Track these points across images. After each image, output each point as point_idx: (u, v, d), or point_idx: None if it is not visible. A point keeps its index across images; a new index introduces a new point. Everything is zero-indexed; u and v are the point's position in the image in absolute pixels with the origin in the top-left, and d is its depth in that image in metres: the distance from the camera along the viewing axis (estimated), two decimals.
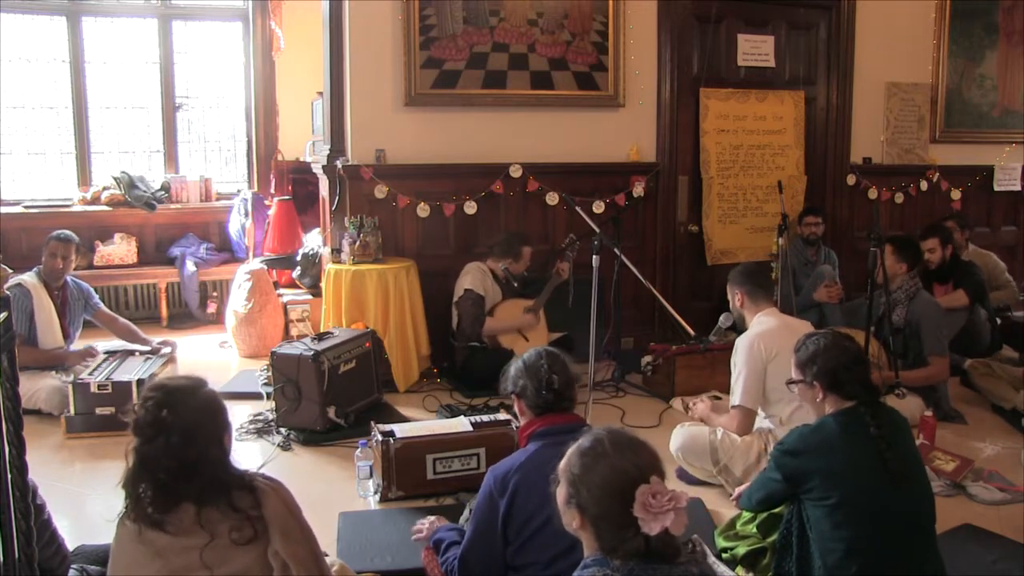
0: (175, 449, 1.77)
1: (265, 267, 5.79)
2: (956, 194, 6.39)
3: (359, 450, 3.33)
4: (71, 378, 4.06)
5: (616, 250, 4.67)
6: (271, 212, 6.43)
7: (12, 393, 1.44)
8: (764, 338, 3.32)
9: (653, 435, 3.40)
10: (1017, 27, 6.52)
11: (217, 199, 6.71)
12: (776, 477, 2.36)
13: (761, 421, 3.44)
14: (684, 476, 3.46)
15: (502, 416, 3.54)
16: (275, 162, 6.81)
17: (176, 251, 6.40)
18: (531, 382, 2.29)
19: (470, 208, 5.07)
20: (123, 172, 6.45)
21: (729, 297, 3.65)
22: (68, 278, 4.53)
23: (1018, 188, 6.62)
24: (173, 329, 6.08)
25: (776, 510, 2.55)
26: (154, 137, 6.78)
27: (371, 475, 3.32)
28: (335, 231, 4.96)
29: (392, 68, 4.90)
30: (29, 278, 4.38)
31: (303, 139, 6.44)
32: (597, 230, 4.64)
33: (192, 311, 6.36)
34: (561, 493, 1.58)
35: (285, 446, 3.87)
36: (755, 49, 5.77)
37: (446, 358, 4.92)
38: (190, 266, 6.26)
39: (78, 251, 4.70)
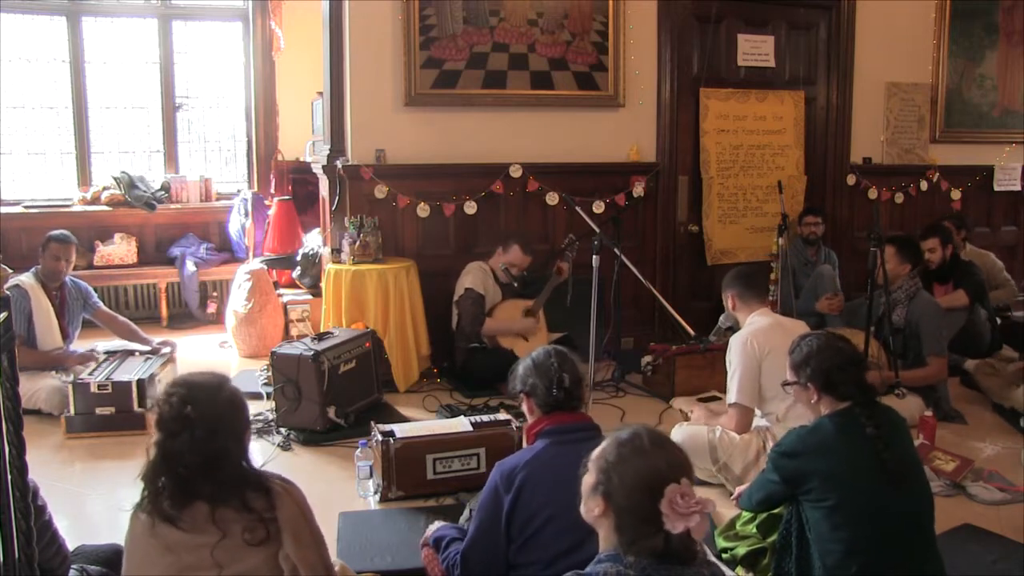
0: (199, 444, 1.78)
1: (265, 267, 5.79)
2: (956, 194, 6.39)
3: (359, 450, 3.33)
4: (71, 378, 4.06)
5: (616, 250, 4.67)
6: (271, 212, 6.42)
7: (12, 393, 1.44)
8: (757, 336, 3.34)
9: None
10: (1017, 27, 6.52)
11: (217, 199, 6.71)
12: (774, 479, 2.36)
13: (758, 419, 3.45)
14: None
15: (502, 416, 3.54)
16: (275, 162, 6.81)
17: (176, 251, 6.40)
18: (541, 381, 2.29)
19: (470, 208, 5.07)
20: (123, 172, 6.45)
21: (723, 301, 3.68)
22: (66, 278, 4.53)
23: (1018, 188, 6.62)
24: (173, 329, 6.08)
25: (776, 510, 2.55)
26: (154, 137, 6.78)
27: (371, 475, 3.32)
28: (335, 231, 4.96)
29: (392, 68, 4.90)
30: (27, 279, 4.37)
31: (303, 139, 6.44)
32: (597, 230, 4.64)
33: (192, 311, 6.36)
34: (589, 480, 1.58)
35: (285, 446, 3.87)
36: (755, 49, 5.77)
37: (446, 358, 4.91)
38: (190, 266, 6.26)
39: (77, 251, 4.69)
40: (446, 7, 4.94)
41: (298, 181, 6.77)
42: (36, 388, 4.13)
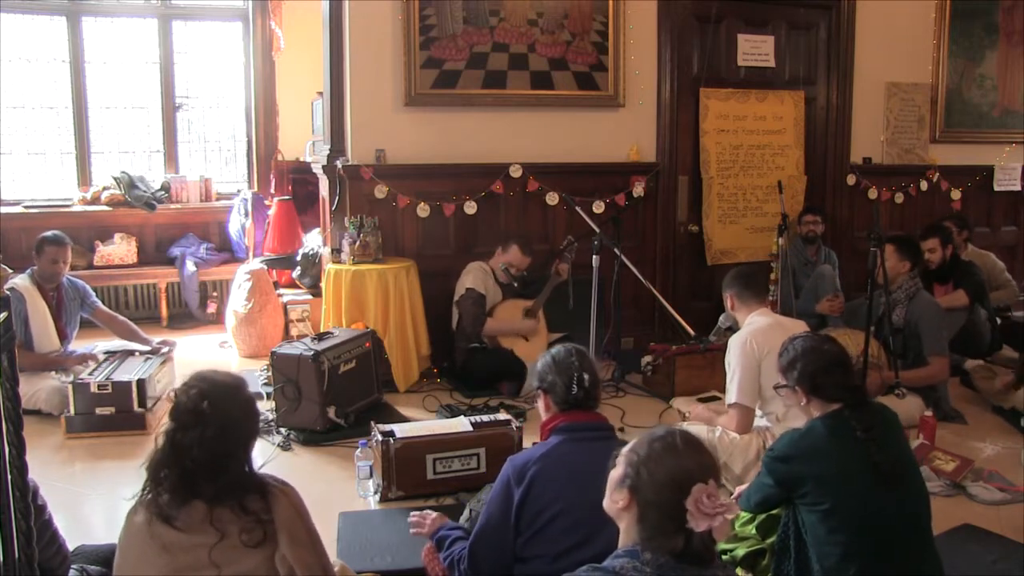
0: (209, 442, 1.78)
1: (265, 267, 5.79)
2: (956, 194, 6.39)
3: (359, 450, 3.33)
4: (71, 378, 4.06)
5: (616, 250, 4.67)
6: (271, 212, 6.43)
7: (12, 393, 1.44)
8: (756, 336, 3.34)
9: None
10: (1017, 27, 6.52)
11: (217, 199, 6.71)
12: (769, 482, 2.36)
13: (759, 419, 3.45)
14: None
15: (502, 416, 3.54)
16: (275, 162, 6.81)
17: (176, 251, 6.40)
18: (561, 379, 2.29)
19: (470, 208, 5.07)
20: (123, 172, 6.45)
21: (724, 301, 3.68)
22: (63, 278, 4.52)
23: (1018, 188, 6.62)
24: (173, 329, 6.08)
25: (775, 511, 2.55)
26: (154, 137, 6.78)
27: (371, 475, 3.33)
28: (335, 231, 4.96)
29: (392, 68, 4.90)
30: (21, 281, 4.35)
31: (303, 139, 6.44)
32: (597, 230, 4.65)
33: (192, 311, 6.36)
34: (616, 473, 1.59)
35: (285, 446, 3.87)
36: (755, 49, 5.77)
37: (446, 358, 4.91)
38: (190, 266, 6.26)
39: (74, 250, 4.68)
40: (446, 7, 4.94)
41: (298, 181, 6.77)
42: (36, 388, 4.13)
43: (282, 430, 3.97)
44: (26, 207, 6.18)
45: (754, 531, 2.73)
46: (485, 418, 3.51)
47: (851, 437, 2.25)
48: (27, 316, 4.28)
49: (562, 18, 5.17)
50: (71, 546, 2.26)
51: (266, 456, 3.75)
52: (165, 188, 6.54)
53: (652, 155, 5.51)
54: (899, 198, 6.21)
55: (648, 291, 4.87)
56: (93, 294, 4.73)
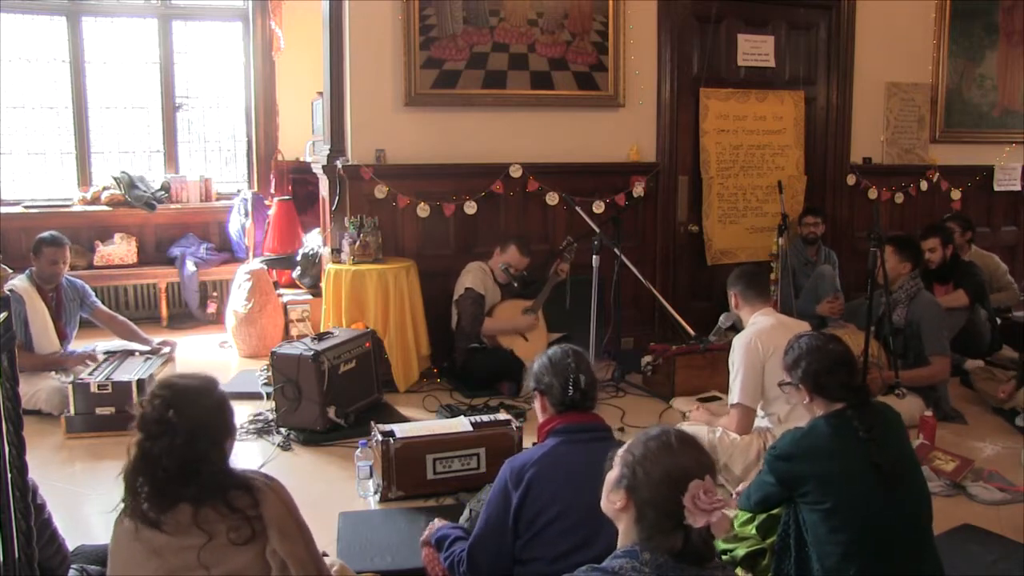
0: (178, 450, 1.76)
1: (265, 267, 5.79)
2: (956, 194, 6.39)
3: (359, 450, 3.33)
4: (71, 378, 4.06)
5: (616, 250, 4.67)
6: (271, 212, 6.43)
7: (12, 393, 1.44)
8: (761, 336, 3.34)
9: None
10: (1017, 27, 6.52)
11: (217, 199, 6.71)
12: (771, 481, 2.36)
13: (760, 420, 3.45)
14: None
15: (502, 416, 3.54)
16: (275, 162, 6.81)
17: (176, 251, 6.40)
18: (557, 380, 2.29)
19: (470, 208, 5.07)
20: (123, 172, 6.45)
21: (728, 300, 3.69)
22: (63, 278, 4.52)
23: (1018, 188, 6.62)
24: (173, 329, 6.08)
25: (775, 511, 2.55)
26: (154, 137, 6.78)
27: (371, 475, 3.32)
28: (335, 231, 4.96)
29: (392, 68, 4.90)
30: (20, 282, 4.35)
31: (303, 139, 6.44)
32: (597, 230, 4.65)
33: (192, 311, 6.36)
34: (613, 474, 1.59)
35: (285, 446, 3.87)
36: (755, 49, 5.77)
37: (446, 358, 4.91)
38: (190, 266, 6.26)
39: (73, 250, 4.68)
40: (446, 7, 4.94)
41: (298, 181, 6.77)
42: (36, 388, 4.13)
43: (282, 430, 3.97)
44: (26, 207, 6.17)
45: (754, 531, 2.73)
46: (485, 418, 3.51)
47: (853, 437, 2.25)
48: (26, 317, 4.28)
49: (562, 18, 5.17)
50: (71, 546, 2.26)
51: (266, 456, 3.76)
52: (165, 188, 6.54)
53: (652, 155, 5.51)
54: (899, 198, 6.21)
55: (648, 291, 4.87)
56: (93, 294, 4.73)
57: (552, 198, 5.20)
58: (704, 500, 1.46)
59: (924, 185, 6.27)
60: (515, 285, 4.79)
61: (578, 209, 4.93)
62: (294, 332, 5.49)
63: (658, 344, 4.86)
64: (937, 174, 6.32)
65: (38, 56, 6.45)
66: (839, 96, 5.98)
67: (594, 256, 4.25)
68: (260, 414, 4.18)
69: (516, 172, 5.13)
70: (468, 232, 5.14)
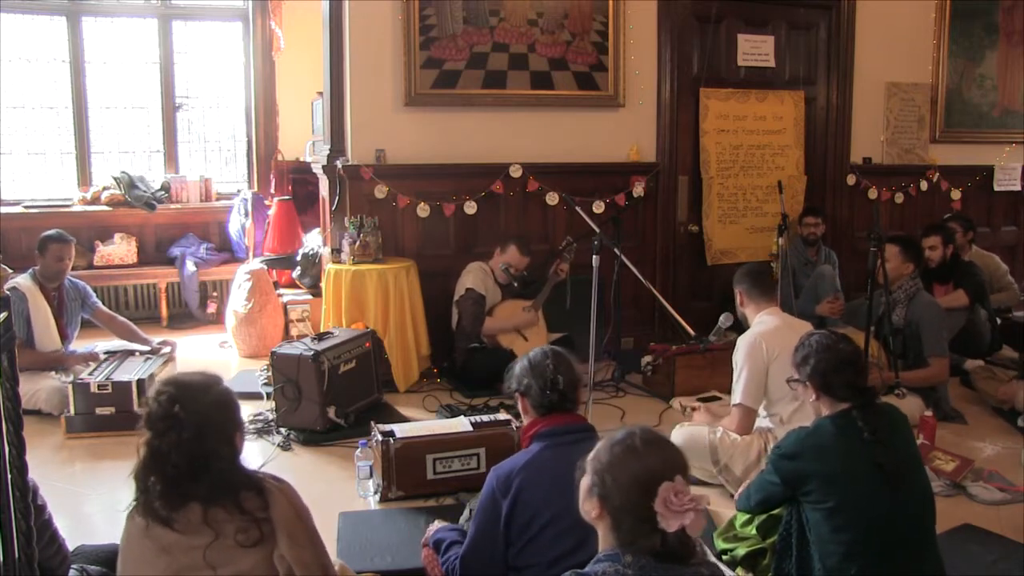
0: (186, 445, 1.77)
1: (265, 267, 5.79)
2: (956, 194, 6.39)
3: (359, 450, 3.33)
4: (71, 378, 4.06)
5: (616, 250, 4.67)
6: (271, 212, 6.42)
7: (12, 393, 1.44)
8: (766, 337, 3.32)
9: None
10: (1017, 27, 6.52)
11: (217, 199, 6.71)
12: (775, 480, 2.36)
13: (761, 420, 3.44)
14: None
15: (502, 416, 3.54)
16: (275, 162, 6.81)
17: (176, 251, 6.40)
18: (536, 381, 2.29)
19: (470, 208, 5.07)
20: (123, 172, 6.45)
21: (734, 298, 3.68)
22: (65, 278, 4.52)
23: (1018, 188, 6.62)
24: (173, 329, 6.08)
25: (775, 511, 2.55)
26: (154, 137, 6.78)
27: (371, 475, 3.32)
28: (335, 231, 4.96)
29: (392, 68, 4.90)
30: (23, 281, 4.36)
31: (303, 139, 6.44)
32: (597, 230, 4.64)
33: (192, 311, 6.36)
34: (585, 482, 1.59)
35: (285, 446, 3.87)
36: (755, 49, 5.77)
37: (446, 358, 4.92)
38: (190, 266, 6.26)
39: (76, 249, 4.69)
40: (446, 7, 4.94)
41: (298, 181, 6.77)
42: (36, 388, 4.13)
43: (282, 430, 3.97)
44: (26, 207, 6.17)
45: (754, 531, 2.73)
46: (485, 418, 3.51)
47: (858, 437, 2.26)
48: (29, 315, 4.29)
49: (562, 18, 5.17)
50: (71, 546, 2.26)
51: (266, 456, 3.76)
52: (165, 188, 6.54)
53: (652, 155, 5.51)
54: (899, 198, 6.21)
55: (648, 291, 4.86)
56: (94, 295, 4.74)
57: (552, 198, 5.20)
58: (675, 502, 1.44)
59: (924, 185, 6.27)
60: (515, 285, 4.79)
61: (578, 209, 4.93)
62: (294, 332, 5.49)
63: (658, 344, 4.87)
64: (937, 174, 6.32)
65: (38, 56, 6.45)
66: (839, 96, 5.98)
67: (594, 256, 4.23)
68: (260, 414, 4.17)
69: (516, 172, 5.13)
70: (468, 232, 5.14)
